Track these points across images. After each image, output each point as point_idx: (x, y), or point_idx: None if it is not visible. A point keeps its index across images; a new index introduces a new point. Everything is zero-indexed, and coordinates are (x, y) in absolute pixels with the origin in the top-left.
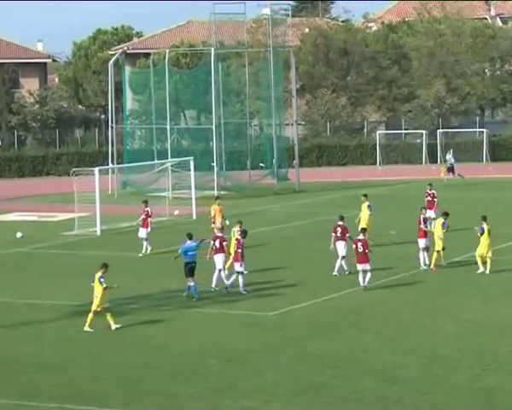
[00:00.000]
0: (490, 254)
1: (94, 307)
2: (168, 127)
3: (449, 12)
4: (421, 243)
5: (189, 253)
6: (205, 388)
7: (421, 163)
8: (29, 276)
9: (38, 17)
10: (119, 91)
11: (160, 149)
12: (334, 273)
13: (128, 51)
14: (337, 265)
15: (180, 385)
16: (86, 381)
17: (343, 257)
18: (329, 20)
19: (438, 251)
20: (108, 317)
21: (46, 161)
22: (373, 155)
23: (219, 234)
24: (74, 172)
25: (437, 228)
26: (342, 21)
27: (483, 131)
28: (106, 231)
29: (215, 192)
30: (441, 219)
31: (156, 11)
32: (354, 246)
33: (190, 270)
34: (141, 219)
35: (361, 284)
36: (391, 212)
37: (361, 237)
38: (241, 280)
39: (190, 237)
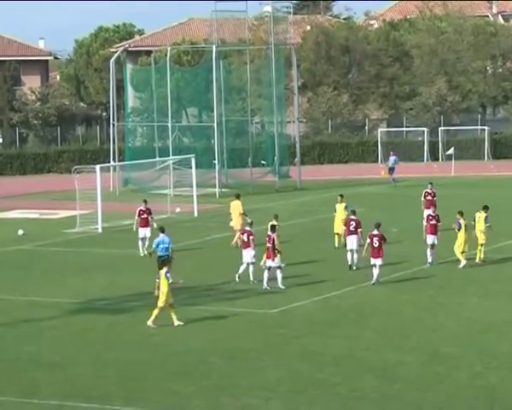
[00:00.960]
0: (466, 248)
1: (160, 304)
2: (169, 125)
3: (450, 10)
4: (429, 239)
5: (161, 246)
6: (206, 386)
7: (423, 161)
8: (30, 273)
9: (40, 15)
10: (120, 89)
11: (161, 147)
12: (353, 268)
13: (129, 49)
14: (348, 258)
15: (181, 383)
16: (87, 379)
17: (352, 251)
18: (331, 18)
19: (482, 244)
20: (172, 313)
21: (48, 159)
22: (374, 152)
23: (247, 228)
24: (76, 169)
25: (479, 222)
26: (344, 19)
27: (484, 129)
28: (107, 229)
29: (216, 190)
30: (483, 214)
31: (157, 9)
32: (369, 241)
33: (163, 263)
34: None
35: (374, 278)
36: (392, 209)
37: (376, 232)
38: (279, 275)
39: (163, 230)
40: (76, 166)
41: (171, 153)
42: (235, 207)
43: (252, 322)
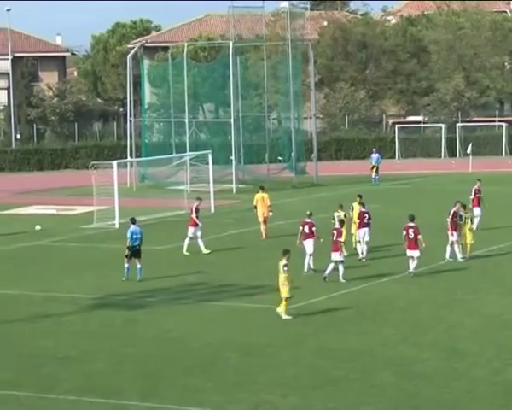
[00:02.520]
0: (470, 240)
1: (285, 295)
2: (186, 121)
3: (468, 5)
4: (451, 236)
5: (134, 236)
6: (223, 381)
7: (440, 157)
8: (48, 269)
9: (57, 11)
10: (137, 85)
11: (178, 143)
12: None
13: (146, 45)
14: (358, 249)
15: (198, 379)
16: (104, 374)
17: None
18: (348, 14)
19: None
20: (284, 304)
21: (65, 155)
22: (391, 148)
23: (308, 219)
24: (93, 165)
25: None
26: (361, 15)
27: (502, 125)
28: (124, 225)
29: (233, 186)
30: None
31: (174, 5)
32: (405, 233)
33: (134, 252)
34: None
35: (410, 269)
36: (410, 205)
37: (411, 223)
38: (341, 270)
39: (134, 221)
40: (93, 162)
41: (187, 149)
42: (261, 199)
43: (269, 318)
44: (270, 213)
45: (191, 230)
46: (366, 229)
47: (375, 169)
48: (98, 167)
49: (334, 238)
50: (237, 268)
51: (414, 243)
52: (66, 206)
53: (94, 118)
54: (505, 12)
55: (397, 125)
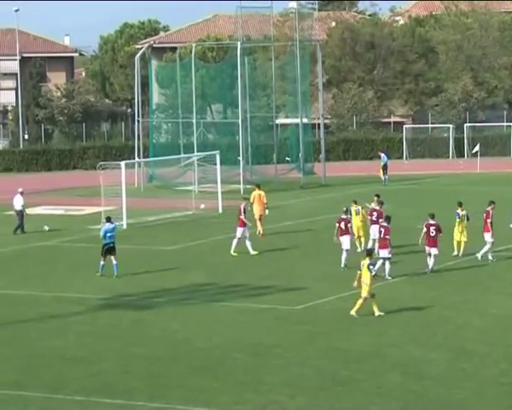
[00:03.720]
0: (464, 238)
1: (365, 294)
2: (194, 121)
3: (476, 5)
4: (487, 237)
5: (108, 234)
6: (230, 382)
7: (448, 157)
8: (56, 269)
9: (65, 11)
10: (145, 85)
11: (186, 143)
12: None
13: (154, 45)
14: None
15: (205, 379)
16: (112, 374)
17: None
18: (356, 14)
19: None
20: (374, 303)
21: (73, 155)
22: (399, 149)
23: (344, 216)
24: (101, 165)
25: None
26: (369, 15)
27: (510, 126)
28: (132, 225)
29: (241, 186)
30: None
31: (182, 5)
32: (425, 230)
33: (108, 250)
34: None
35: (429, 266)
36: (418, 206)
37: (432, 221)
38: (387, 266)
39: (109, 219)
40: (101, 163)
41: (195, 149)
42: (258, 196)
43: (276, 318)
44: (266, 211)
45: (240, 230)
46: (376, 226)
47: (382, 169)
48: (106, 168)
49: (382, 236)
50: (245, 268)
51: (433, 241)
52: (74, 206)
53: (102, 118)
54: None
55: (404, 126)
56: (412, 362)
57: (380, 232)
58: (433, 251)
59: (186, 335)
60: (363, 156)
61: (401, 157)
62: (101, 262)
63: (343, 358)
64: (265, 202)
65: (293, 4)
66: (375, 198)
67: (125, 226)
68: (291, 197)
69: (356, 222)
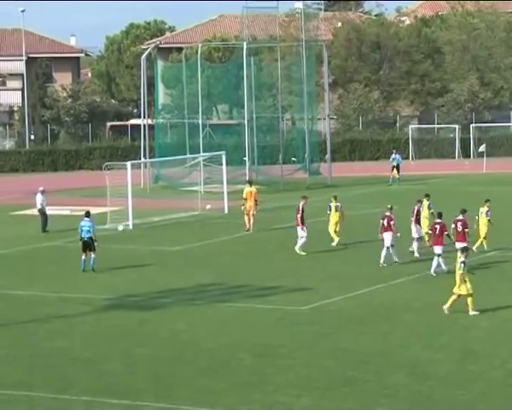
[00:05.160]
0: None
1: (465, 292)
2: (200, 122)
3: (482, 6)
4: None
5: (84, 229)
6: (236, 382)
7: (454, 158)
8: (61, 270)
9: (71, 12)
10: (151, 86)
11: (191, 144)
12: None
13: (160, 46)
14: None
15: (211, 380)
16: (117, 375)
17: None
18: (362, 14)
19: (484, 237)
20: (469, 300)
21: (79, 155)
22: (405, 149)
23: (387, 213)
24: (107, 166)
25: (481, 216)
26: (375, 15)
27: None
28: (138, 226)
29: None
30: (485, 208)
31: (188, 5)
32: (453, 226)
33: (86, 245)
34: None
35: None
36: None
37: (460, 217)
38: (436, 262)
39: (87, 214)
40: (107, 163)
41: (201, 150)
42: (249, 193)
43: (282, 319)
44: (257, 207)
45: (299, 229)
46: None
47: (395, 169)
48: (112, 168)
49: (438, 232)
50: (251, 269)
51: (462, 236)
52: (80, 207)
53: (108, 119)
54: None
55: (411, 126)
56: (418, 363)
57: (434, 230)
58: (462, 245)
59: (192, 335)
60: (369, 157)
61: (407, 158)
62: (83, 257)
63: (349, 358)
64: (256, 198)
65: (299, 4)
66: (425, 198)
67: (131, 227)
68: (297, 198)
69: (334, 218)
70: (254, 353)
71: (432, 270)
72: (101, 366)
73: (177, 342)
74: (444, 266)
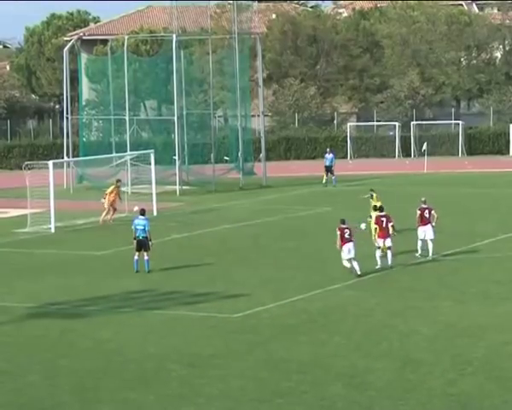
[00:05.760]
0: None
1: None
2: (127, 118)
3: None
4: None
5: (139, 227)
6: (165, 394)
7: (394, 157)
8: None
9: None
10: (74, 80)
11: (118, 142)
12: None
13: (84, 37)
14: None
15: (139, 392)
16: (39, 388)
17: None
18: (298, 6)
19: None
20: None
21: None
22: (343, 148)
23: (424, 206)
24: (27, 165)
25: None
26: (311, 7)
27: (459, 124)
28: (61, 229)
29: (177, 187)
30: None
31: None
32: (420, 212)
33: (139, 244)
34: None
35: (430, 254)
36: (362, 208)
37: (426, 205)
38: (390, 255)
39: (142, 213)
40: (27, 162)
41: (128, 148)
42: (110, 189)
43: (213, 327)
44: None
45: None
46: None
47: (328, 170)
48: (32, 168)
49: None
50: (181, 274)
51: (428, 221)
52: None
53: (28, 115)
54: (461, 5)
55: (349, 124)
56: (357, 372)
57: (381, 222)
58: (428, 232)
59: (118, 345)
60: (305, 155)
61: (345, 157)
62: (135, 257)
63: (284, 368)
64: (106, 193)
65: None
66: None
67: (53, 230)
68: (230, 199)
69: None
70: (185, 363)
71: (390, 262)
72: (22, 378)
73: (102, 352)
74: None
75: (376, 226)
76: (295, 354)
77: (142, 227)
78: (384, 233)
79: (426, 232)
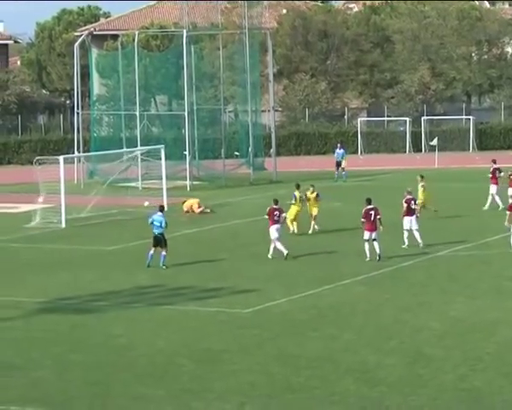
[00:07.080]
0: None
1: None
2: (138, 113)
3: None
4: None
5: (156, 224)
6: (176, 389)
7: (405, 152)
8: None
9: None
10: (85, 75)
11: (128, 137)
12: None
13: (95, 33)
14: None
15: (149, 387)
16: (50, 383)
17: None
18: (308, 1)
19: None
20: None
21: (7, 149)
22: (354, 143)
23: (409, 196)
24: (38, 160)
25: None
26: (322, 2)
27: (469, 119)
28: (71, 224)
29: (187, 182)
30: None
31: None
32: (406, 205)
33: (156, 240)
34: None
35: (420, 244)
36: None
37: (410, 196)
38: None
39: (161, 209)
40: (38, 157)
41: (139, 143)
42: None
43: (224, 322)
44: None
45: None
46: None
47: (338, 166)
48: (43, 163)
49: (372, 219)
50: (192, 270)
51: (413, 212)
52: (9, 204)
53: (39, 110)
54: (472, 0)
55: (359, 119)
56: (367, 368)
57: (369, 215)
58: (413, 223)
59: (129, 340)
60: (315, 151)
61: (356, 152)
62: (150, 252)
63: (294, 364)
64: None
65: None
66: (419, 178)
67: (63, 225)
68: (240, 194)
69: (295, 208)
70: (195, 358)
71: (378, 250)
72: (32, 373)
73: (112, 347)
74: (377, 250)
75: (364, 219)
76: (306, 350)
77: (159, 224)
78: (371, 226)
79: (412, 222)
